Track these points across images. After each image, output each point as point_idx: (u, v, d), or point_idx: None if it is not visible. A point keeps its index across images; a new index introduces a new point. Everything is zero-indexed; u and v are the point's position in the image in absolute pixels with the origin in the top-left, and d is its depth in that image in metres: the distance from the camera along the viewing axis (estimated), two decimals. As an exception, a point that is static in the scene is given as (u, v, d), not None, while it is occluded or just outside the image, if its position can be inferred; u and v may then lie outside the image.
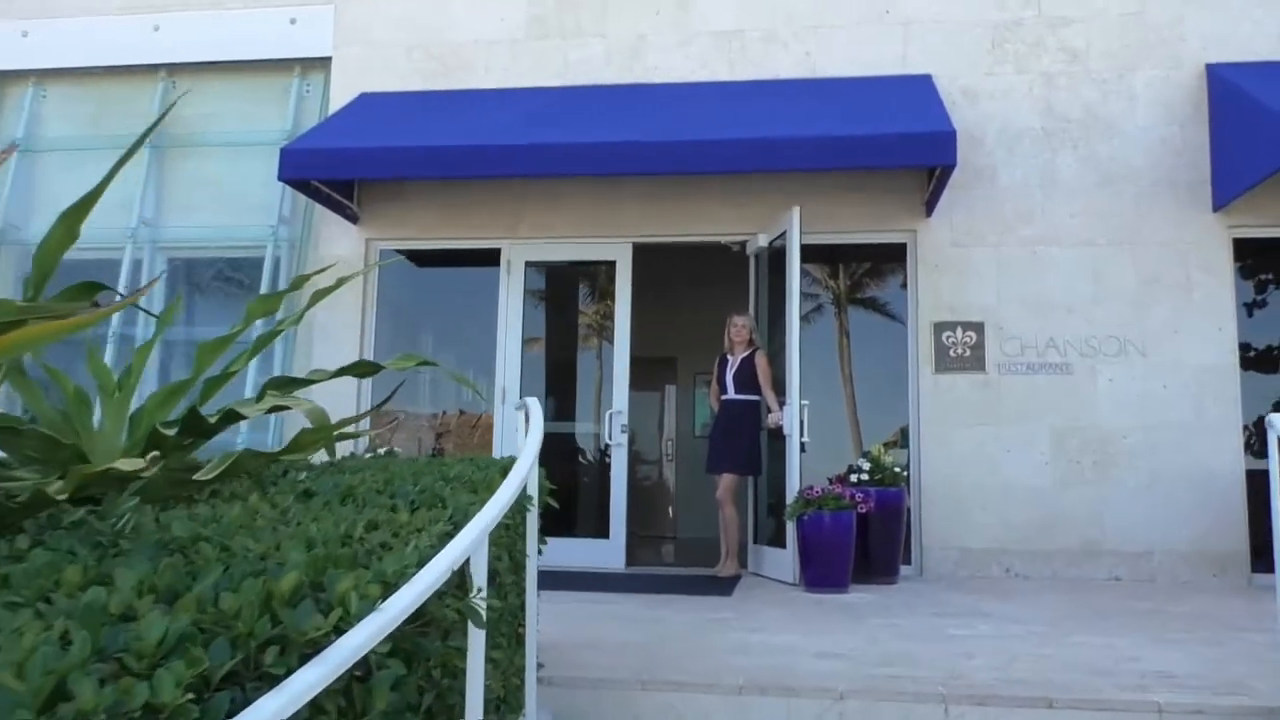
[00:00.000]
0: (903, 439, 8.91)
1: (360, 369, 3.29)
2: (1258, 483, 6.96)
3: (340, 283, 3.21)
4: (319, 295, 3.29)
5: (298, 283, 3.40)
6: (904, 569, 6.84)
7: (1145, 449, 7.04)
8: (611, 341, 7.75)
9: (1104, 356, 7.16)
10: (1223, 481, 6.93)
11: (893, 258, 7.74)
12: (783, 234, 6.90)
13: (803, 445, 6.55)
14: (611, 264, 7.83)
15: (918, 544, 7.13)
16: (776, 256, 7.22)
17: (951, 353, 7.29)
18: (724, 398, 7.10)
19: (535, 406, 3.44)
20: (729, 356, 7.15)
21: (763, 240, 7.28)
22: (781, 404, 6.69)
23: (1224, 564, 6.86)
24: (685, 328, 12.24)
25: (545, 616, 3.58)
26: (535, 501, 3.22)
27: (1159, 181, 7.28)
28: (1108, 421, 7.10)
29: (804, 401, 6.57)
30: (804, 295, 7.10)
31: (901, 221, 7.51)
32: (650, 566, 7.56)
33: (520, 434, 3.59)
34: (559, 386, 8.34)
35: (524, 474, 2.74)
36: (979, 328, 7.29)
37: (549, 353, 8.43)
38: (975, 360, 7.26)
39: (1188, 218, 7.22)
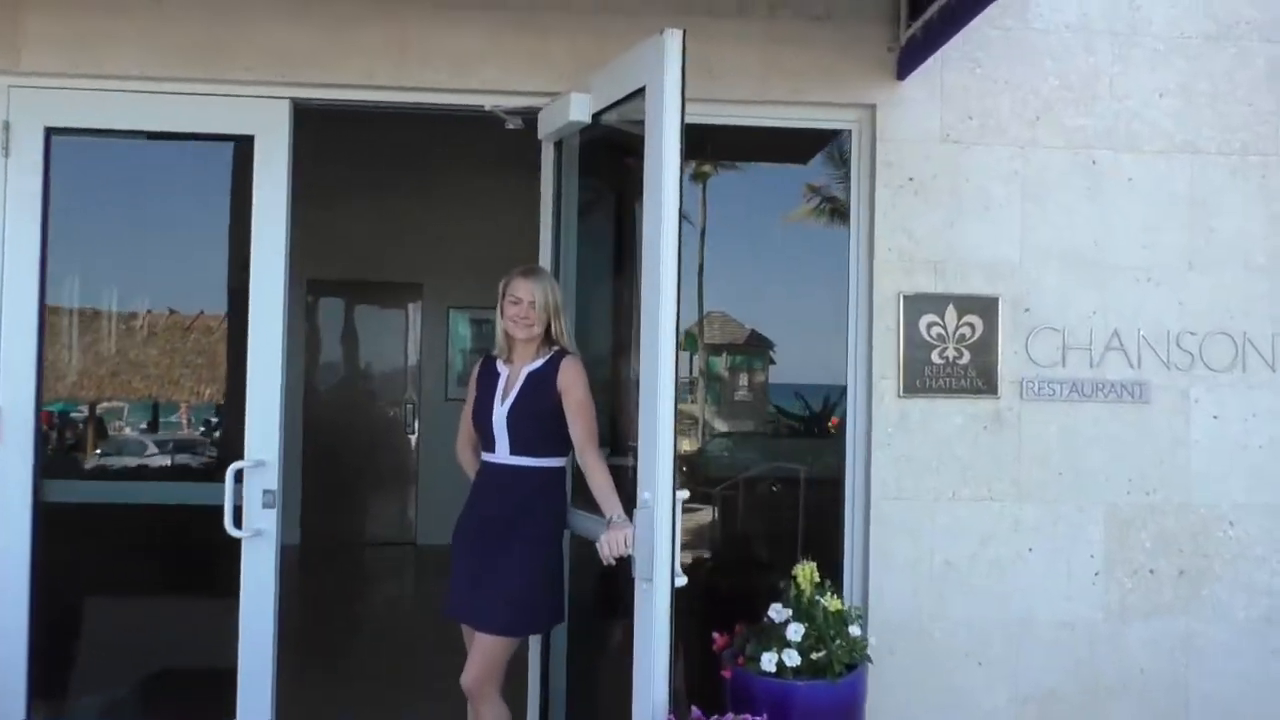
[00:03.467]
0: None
1: None
2: None
3: None
4: None
5: None
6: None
7: (1268, 546, 3.79)
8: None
9: (1205, 369, 3.79)
10: (1386, 601, 3.81)
11: (820, 158, 4.04)
12: (634, 95, 2.95)
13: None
14: (247, 141, 3.62)
15: (858, 731, 3.62)
16: (607, 144, 3.32)
17: (936, 355, 3.70)
18: (487, 458, 3.20)
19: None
20: (499, 365, 3.24)
21: (578, 109, 3.25)
22: (630, 507, 2.85)
23: (1384, 754, 3.80)
24: (433, 244, 8.19)
25: None
26: None
27: (1317, 40, 3.87)
28: (1205, 493, 3.78)
29: (682, 493, 2.79)
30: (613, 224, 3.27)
31: (846, 87, 3.75)
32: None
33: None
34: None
35: None
36: (988, 307, 3.72)
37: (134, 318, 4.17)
38: (978, 371, 3.71)
39: (1364, 113, 3.88)
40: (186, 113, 3.60)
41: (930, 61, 3.63)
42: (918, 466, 3.69)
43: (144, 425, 5.21)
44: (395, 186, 7.87)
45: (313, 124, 3.75)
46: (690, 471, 5.34)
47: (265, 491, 3.55)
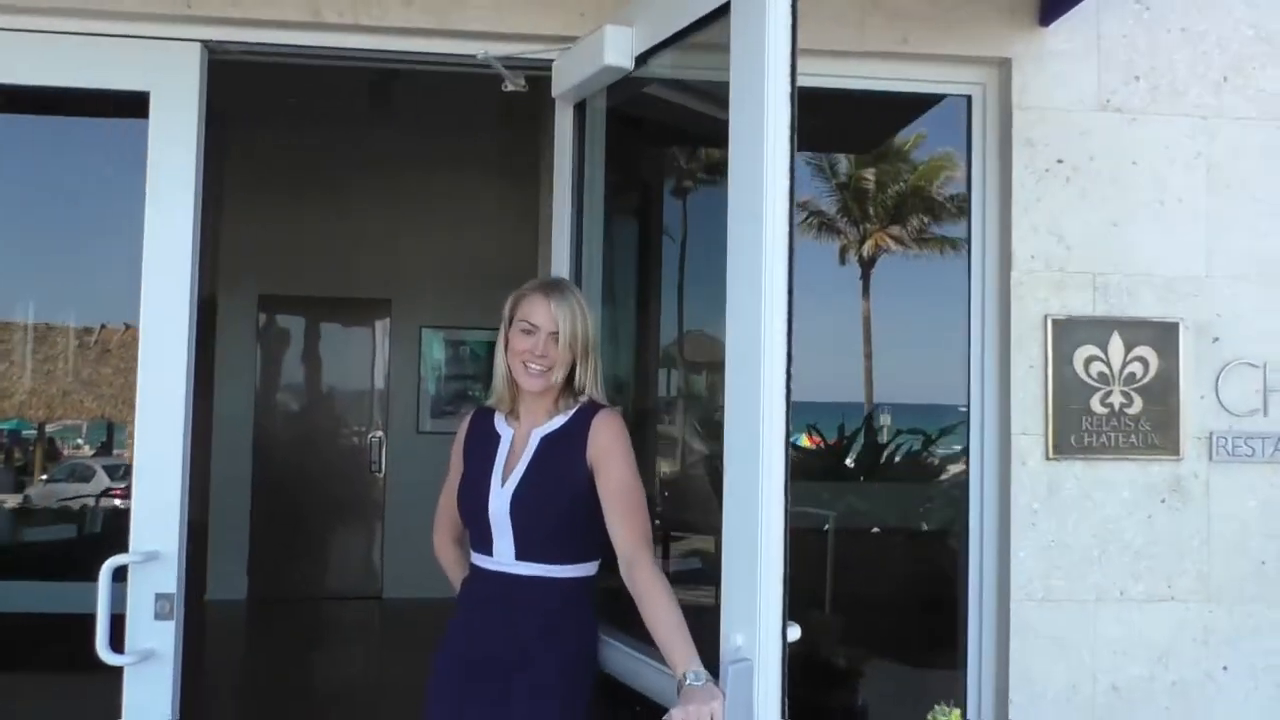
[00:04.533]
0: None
1: None
2: None
3: None
4: None
5: None
6: None
7: None
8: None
9: None
10: None
11: (930, 134, 3.02)
12: (704, 21, 1.93)
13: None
14: (141, 99, 2.56)
15: None
16: (652, 106, 2.29)
17: (1097, 402, 2.69)
18: (481, 563, 2.14)
19: None
20: (500, 424, 2.18)
21: (615, 49, 2.20)
22: (715, 672, 1.79)
23: None
24: (403, 254, 7.17)
25: None
26: None
27: None
28: None
29: (793, 630, 1.76)
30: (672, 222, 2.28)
31: (971, 35, 2.75)
32: None
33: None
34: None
35: None
36: (1165, 336, 2.72)
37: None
38: (1154, 423, 2.70)
39: None
40: (53, 60, 2.54)
41: (1085, 2, 2.65)
42: (1074, 556, 2.67)
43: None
44: (359, 188, 6.86)
45: (256, 101, 2.73)
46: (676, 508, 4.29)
47: (159, 597, 2.48)
